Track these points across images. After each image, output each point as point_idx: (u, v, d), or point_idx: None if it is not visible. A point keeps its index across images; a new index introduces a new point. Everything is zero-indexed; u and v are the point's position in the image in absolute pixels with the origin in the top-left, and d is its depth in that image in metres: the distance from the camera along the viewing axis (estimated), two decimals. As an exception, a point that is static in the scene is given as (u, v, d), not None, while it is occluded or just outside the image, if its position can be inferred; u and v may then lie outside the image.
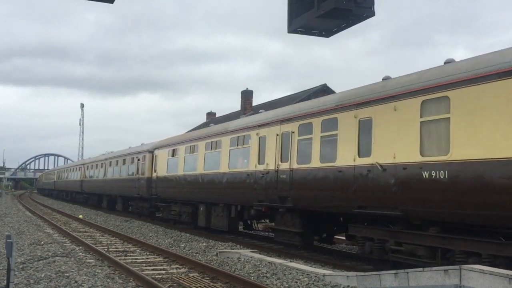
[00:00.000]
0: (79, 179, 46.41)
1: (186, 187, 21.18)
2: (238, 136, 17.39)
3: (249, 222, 19.75)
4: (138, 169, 28.54)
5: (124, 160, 32.35)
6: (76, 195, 49.68)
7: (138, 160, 28.68)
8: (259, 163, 15.62)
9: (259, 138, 15.87)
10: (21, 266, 11.45)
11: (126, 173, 31.64)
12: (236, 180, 16.99)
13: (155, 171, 25.34)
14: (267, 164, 15.17)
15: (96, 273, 10.79)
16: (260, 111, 19.22)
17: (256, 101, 42.80)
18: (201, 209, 20.04)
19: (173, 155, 23.38)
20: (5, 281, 8.05)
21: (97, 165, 40.35)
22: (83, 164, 46.06)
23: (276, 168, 14.69)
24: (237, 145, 17.38)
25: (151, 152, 26.85)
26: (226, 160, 17.92)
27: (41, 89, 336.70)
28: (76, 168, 49.25)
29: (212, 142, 19.45)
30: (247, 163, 16.46)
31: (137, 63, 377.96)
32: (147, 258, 13.71)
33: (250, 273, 11.05)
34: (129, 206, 32.56)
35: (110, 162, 35.87)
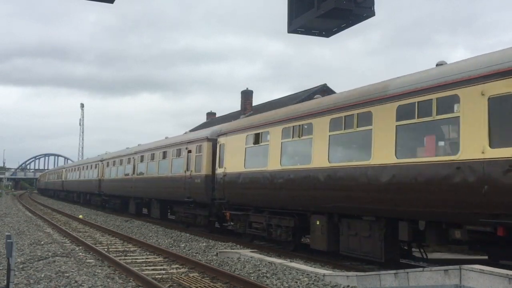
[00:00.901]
0: (96, 178, 39.20)
1: (286, 188, 14.47)
2: (417, 103, 10.40)
3: (403, 246, 12.26)
4: (189, 164, 21.61)
5: (164, 153, 25.17)
6: (91, 197, 42.28)
7: (189, 152, 21.81)
8: (491, 145, 8.88)
9: (489, 100, 8.99)
10: (21, 266, 11.45)
11: (168, 169, 24.28)
12: (416, 177, 10.29)
13: (221, 166, 18.49)
14: None
15: (96, 273, 10.80)
16: (437, 62, 11.41)
17: (256, 101, 42.86)
18: (317, 223, 13.43)
19: (256, 143, 16.52)
20: (5, 281, 8.05)
21: (121, 160, 32.85)
22: (102, 160, 38.46)
23: None
24: (417, 117, 10.45)
25: (212, 140, 20.12)
26: (389, 145, 11.05)
27: (41, 89, 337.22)
28: (92, 165, 41.64)
29: (345, 117, 12.48)
30: (451, 147, 10.08)
31: (137, 63, 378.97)
32: (147, 258, 13.71)
33: (250, 273, 11.05)
34: (172, 212, 26.12)
35: (142, 156, 28.32)
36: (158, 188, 25.53)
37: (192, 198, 21.26)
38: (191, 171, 21.42)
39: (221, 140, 19.03)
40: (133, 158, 30.61)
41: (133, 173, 30.11)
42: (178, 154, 23.37)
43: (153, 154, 27.00)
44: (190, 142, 22.24)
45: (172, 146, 24.42)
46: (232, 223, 18.43)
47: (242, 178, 17.06)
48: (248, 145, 17.00)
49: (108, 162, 36.63)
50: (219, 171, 18.67)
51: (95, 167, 40.13)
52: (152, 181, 26.61)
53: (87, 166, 43.86)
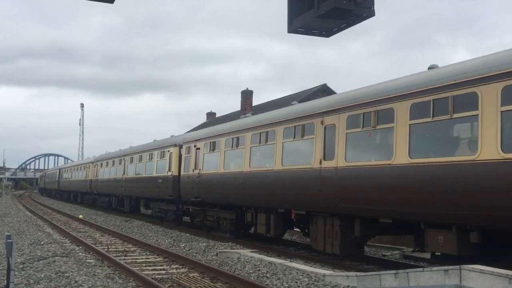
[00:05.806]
0: (56, 180, 60.58)
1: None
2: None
3: None
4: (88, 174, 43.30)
5: (83, 167, 46.98)
6: (55, 192, 62.75)
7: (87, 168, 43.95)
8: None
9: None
10: (21, 266, 11.45)
11: (83, 176, 45.90)
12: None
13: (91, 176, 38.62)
14: None
15: (96, 273, 10.80)
16: None
17: (256, 101, 42.89)
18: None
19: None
20: (5, 281, 8.05)
21: (68, 169, 54.80)
22: (60, 168, 63.09)
23: None
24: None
25: (94, 163, 41.24)
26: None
27: (44, 90, 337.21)
28: (54, 172, 66.98)
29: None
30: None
31: (142, 64, 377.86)
32: (147, 258, 13.71)
33: (250, 273, 11.05)
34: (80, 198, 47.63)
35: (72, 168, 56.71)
36: (77, 185, 46.81)
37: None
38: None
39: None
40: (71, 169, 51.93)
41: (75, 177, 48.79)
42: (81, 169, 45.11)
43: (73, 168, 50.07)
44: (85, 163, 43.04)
45: (80, 165, 46.33)
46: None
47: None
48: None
49: (61, 170, 58.13)
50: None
51: (58, 173, 59.51)
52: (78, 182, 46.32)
53: (54, 172, 65.67)
